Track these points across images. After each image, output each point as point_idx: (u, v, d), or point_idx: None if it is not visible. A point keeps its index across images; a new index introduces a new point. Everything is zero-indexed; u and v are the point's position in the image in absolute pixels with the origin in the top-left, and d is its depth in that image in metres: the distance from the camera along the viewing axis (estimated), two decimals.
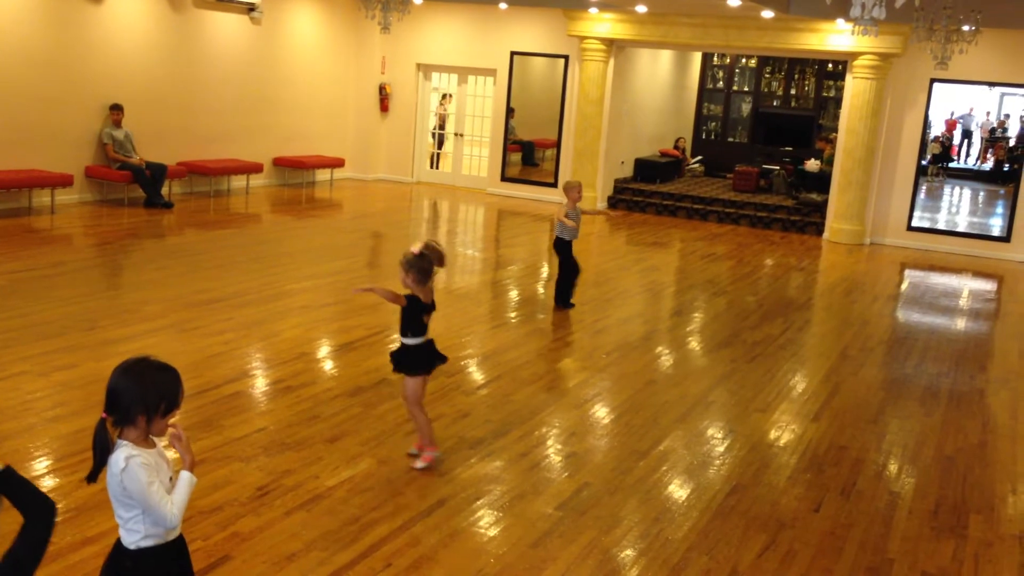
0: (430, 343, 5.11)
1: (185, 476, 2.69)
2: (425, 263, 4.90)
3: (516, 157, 17.54)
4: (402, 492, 4.83)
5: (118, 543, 2.72)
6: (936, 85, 13.65)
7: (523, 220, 14.47)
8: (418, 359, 5.07)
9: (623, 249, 12.86)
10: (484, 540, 4.42)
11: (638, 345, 7.99)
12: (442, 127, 17.48)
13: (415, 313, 4.98)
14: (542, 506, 4.80)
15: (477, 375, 6.89)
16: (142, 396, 2.62)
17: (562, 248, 8.76)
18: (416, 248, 4.90)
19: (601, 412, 6.36)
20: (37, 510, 2.22)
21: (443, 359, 5.20)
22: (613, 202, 15.95)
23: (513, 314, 8.93)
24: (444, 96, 17.34)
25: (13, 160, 11.28)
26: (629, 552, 4.42)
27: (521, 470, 5.23)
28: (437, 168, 17.37)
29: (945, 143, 22.76)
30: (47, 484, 4.62)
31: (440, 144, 17.50)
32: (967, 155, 24.90)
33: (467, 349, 7.42)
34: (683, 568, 4.30)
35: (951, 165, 23.25)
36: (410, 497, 4.78)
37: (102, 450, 2.62)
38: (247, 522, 4.38)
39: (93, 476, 2.66)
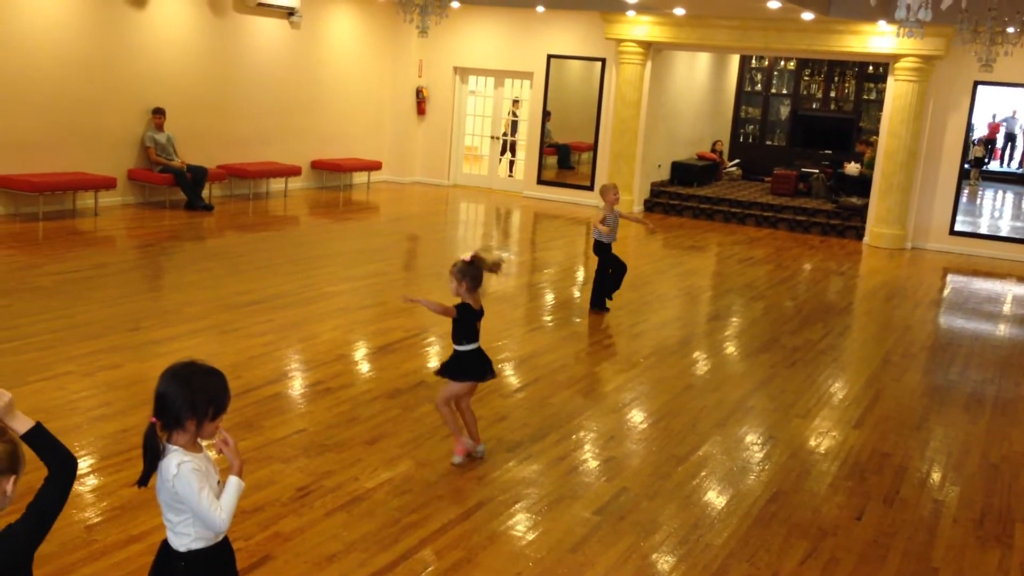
0: (480, 351, 5.19)
1: (233, 481, 2.71)
2: (476, 270, 4.99)
3: (552, 160, 17.52)
4: (441, 495, 4.84)
5: (166, 546, 2.75)
6: (980, 88, 13.44)
7: (559, 223, 14.46)
8: (470, 365, 5.15)
9: (660, 253, 12.80)
10: (523, 544, 4.42)
11: (676, 349, 7.94)
12: (512, 133, 17.37)
13: (469, 321, 5.07)
14: (580, 510, 4.79)
15: (514, 378, 6.89)
16: (191, 400, 2.65)
17: (601, 250, 8.74)
18: (467, 256, 5.00)
19: (639, 416, 6.33)
20: (61, 465, 2.32)
21: (493, 372, 5.29)
22: (650, 205, 15.89)
23: (549, 317, 8.92)
24: (515, 102, 17.22)
25: (58, 163, 11.47)
26: (669, 558, 4.39)
27: (559, 474, 5.22)
28: (511, 175, 17.32)
29: (987, 146, 22.39)
30: (92, 482, 4.69)
31: (510, 150, 17.39)
32: (1010, 158, 24.47)
33: (504, 352, 7.42)
34: (723, 575, 4.26)
35: (988, 168, 22.87)
36: (449, 500, 4.79)
37: (152, 455, 2.65)
38: (288, 522, 4.42)
39: (144, 480, 2.70)
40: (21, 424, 2.29)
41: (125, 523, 4.26)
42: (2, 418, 2.25)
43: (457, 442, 5.22)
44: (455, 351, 5.16)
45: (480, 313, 5.11)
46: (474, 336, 5.12)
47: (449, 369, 5.16)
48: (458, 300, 5.08)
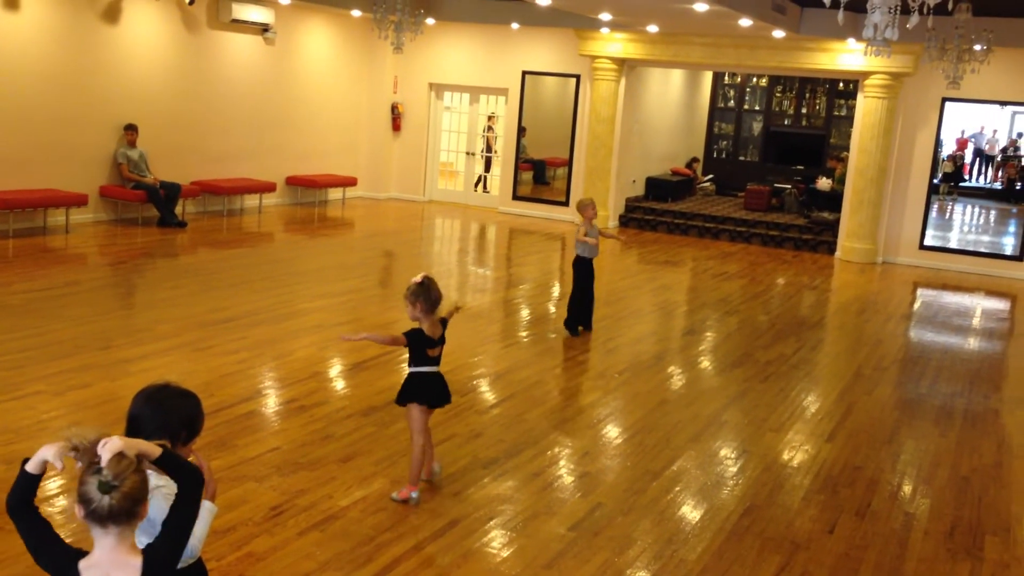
0: (438, 376, 4.95)
1: (206, 506, 2.69)
2: (430, 292, 4.79)
3: (527, 176, 17.58)
4: (415, 512, 4.83)
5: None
6: (948, 104, 13.66)
7: (535, 239, 14.50)
8: (420, 388, 4.90)
9: (635, 268, 12.87)
10: (497, 561, 4.41)
11: (651, 364, 7.98)
12: (489, 149, 17.36)
13: (420, 347, 4.84)
14: (555, 526, 4.79)
15: (489, 395, 6.89)
16: (164, 424, 2.62)
17: (582, 267, 8.57)
18: (419, 278, 4.81)
19: (614, 432, 6.35)
20: (189, 481, 2.38)
21: (447, 399, 5.03)
22: (624, 220, 15.98)
23: (525, 333, 8.93)
24: (490, 117, 17.24)
25: (28, 180, 11.37)
26: (643, 573, 4.40)
27: (534, 490, 5.23)
28: (487, 191, 17.32)
29: (958, 162, 22.74)
30: (62, 503, 4.63)
31: (488, 167, 17.40)
32: (979, 174, 24.87)
33: (479, 368, 7.43)
34: None
35: (966, 183, 23.23)
36: (423, 517, 4.78)
37: None
38: (261, 542, 4.39)
39: None
40: (151, 453, 2.33)
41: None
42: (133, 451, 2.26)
43: (411, 489, 4.92)
44: (408, 373, 4.93)
45: (436, 341, 4.85)
46: (428, 362, 4.88)
47: (400, 393, 4.94)
48: (415, 324, 4.84)
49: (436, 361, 4.92)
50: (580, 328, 8.65)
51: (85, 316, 8.01)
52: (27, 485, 2.28)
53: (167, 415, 2.63)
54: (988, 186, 24.15)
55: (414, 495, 4.93)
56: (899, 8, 5.29)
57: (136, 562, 2.26)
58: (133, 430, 2.64)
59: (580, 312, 8.67)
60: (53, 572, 2.28)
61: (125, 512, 2.21)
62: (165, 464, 2.36)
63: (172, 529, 2.35)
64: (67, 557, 2.27)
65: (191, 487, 2.39)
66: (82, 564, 2.25)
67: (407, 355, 4.96)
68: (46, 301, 8.41)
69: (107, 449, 2.21)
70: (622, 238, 9.72)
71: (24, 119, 11.30)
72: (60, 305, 8.30)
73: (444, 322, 4.95)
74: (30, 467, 2.27)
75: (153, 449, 2.33)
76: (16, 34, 11.08)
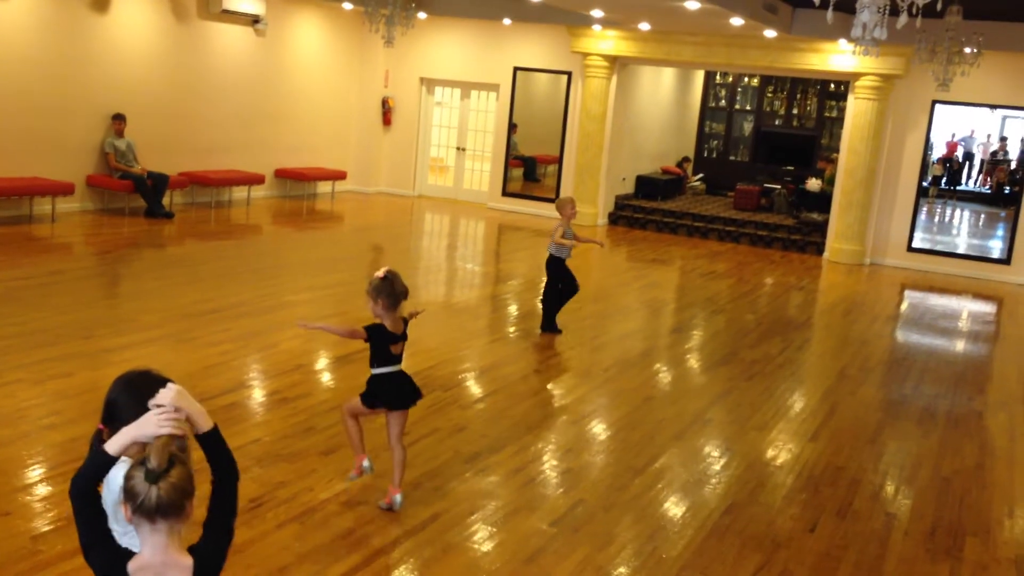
0: (401, 374, 4.79)
1: None
2: (393, 288, 4.63)
3: (517, 172, 17.54)
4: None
5: None
6: (938, 106, 13.69)
7: (523, 235, 14.48)
8: (383, 390, 4.74)
9: (623, 265, 12.86)
10: (478, 555, 4.40)
11: (636, 362, 7.97)
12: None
13: (380, 343, 4.69)
14: (536, 522, 4.78)
15: (474, 389, 6.88)
16: (142, 410, 2.59)
17: (555, 267, 8.40)
18: (381, 273, 4.64)
19: (598, 428, 6.34)
20: (231, 472, 2.36)
21: (418, 395, 4.85)
22: (614, 218, 15.97)
23: (511, 328, 8.92)
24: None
25: (15, 168, 11.29)
26: (623, 570, 4.40)
27: (516, 485, 5.21)
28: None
29: (954, 166, 22.79)
30: (40, 492, 4.60)
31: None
32: (968, 177, 24.94)
33: (464, 363, 7.41)
34: None
35: (961, 187, 23.28)
36: (404, 511, 4.76)
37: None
38: (239, 534, 4.32)
39: None
40: (204, 423, 2.31)
41: (71, 533, 4.14)
42: (184, 410, 2.25)
43: (356, 458, 4.82)
44: (371, 375, 4.76)
45: (398, 336, 4.70)
46: (391, 360, 4.72)
47: (364, 393, 4.78)
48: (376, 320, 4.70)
49: (399, 359, 4.76)
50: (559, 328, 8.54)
51: (69, 305, 7.95)
52: (102, 467, 2.27)
53: (145, 402, 2.60)
54: (977, 190, 24.22)
55: (397, 498, 4.76)
56: (888, 8, 5.29)
57: (187, 562, 2.22)
58: (110, 416, 2.61)
59: (554, 309, 8.49)
60: (100, 572, 2.23)
61: (174, 505, 2.17)
62: (209, 443, 2.32)
63: (220, 525, 2.34)
64: (117, 557, 2.23)
65: (232, 479, 2.36)
66: (131, 566, 2.20)
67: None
68: (30, 290, 8.36)
69: (162, 396, 2.25)
70: (600, 241, 9.32)
71: (11, 107, 11.21)
72: (44, 294, 8.25)
73: (405, 320, 4.79)
74: (111, 448, 2.25)
75: (206, 420, 2.31)
76: (3, 22, 10.99)
